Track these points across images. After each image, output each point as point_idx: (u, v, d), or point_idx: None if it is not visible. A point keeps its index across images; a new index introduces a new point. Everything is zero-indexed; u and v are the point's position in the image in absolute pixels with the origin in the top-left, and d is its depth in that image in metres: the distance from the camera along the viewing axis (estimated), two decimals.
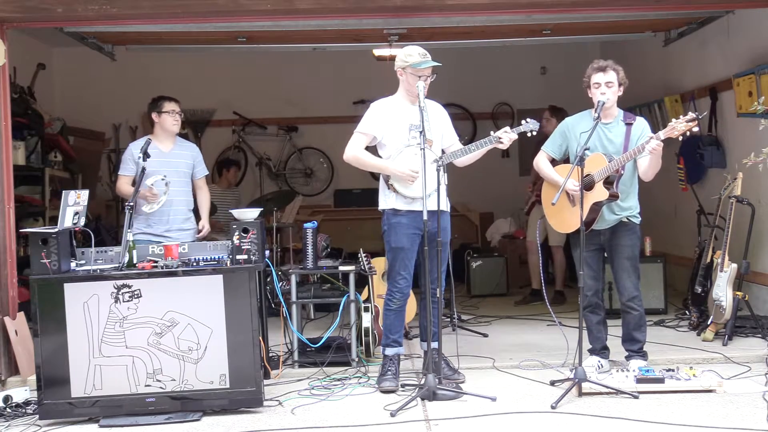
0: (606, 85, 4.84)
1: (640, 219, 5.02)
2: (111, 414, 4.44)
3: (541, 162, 5.16)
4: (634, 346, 5.04)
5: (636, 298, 4.98)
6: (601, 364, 5.07)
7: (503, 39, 7.24)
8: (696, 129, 4.58)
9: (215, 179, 8.40)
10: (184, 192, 5.54)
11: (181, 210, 5.49)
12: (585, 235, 4.72)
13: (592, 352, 5.15)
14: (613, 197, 4.84)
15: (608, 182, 4.84)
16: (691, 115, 4.57)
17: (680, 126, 4.57)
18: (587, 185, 4.80)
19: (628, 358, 5.07)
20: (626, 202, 4.93)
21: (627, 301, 4.99)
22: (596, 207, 4.86)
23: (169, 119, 5.47)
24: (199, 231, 5.63)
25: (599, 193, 4.83)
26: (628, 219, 4.95)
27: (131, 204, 4.93)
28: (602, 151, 4.87)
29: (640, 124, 4.97)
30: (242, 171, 10.08)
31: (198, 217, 5.73)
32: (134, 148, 5.39)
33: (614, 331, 5.34)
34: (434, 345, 4.76)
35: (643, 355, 5.05)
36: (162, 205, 5.34)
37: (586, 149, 4.61)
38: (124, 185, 5.47)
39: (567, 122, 5.13)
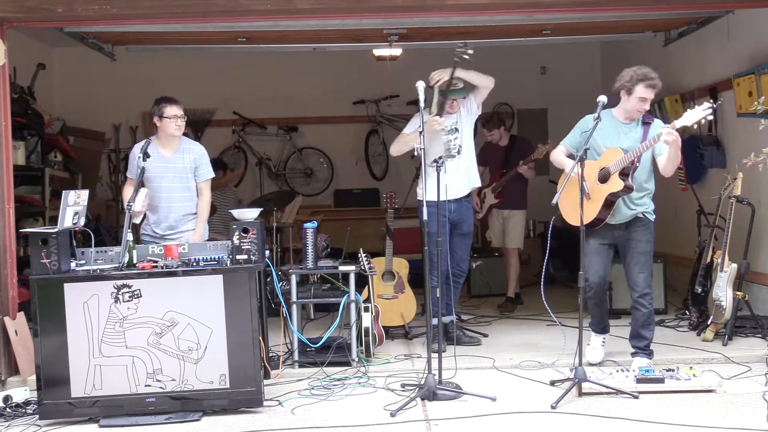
0: (649, 101, 4.96)
1: (654, 217, 5.09)
2: (111, 414, 4.44)
3: (559, 155, 5.20)
4: (641, 343, 5.09)
5: (647, 296, 5.03)
6: (605, 339, 5.26)
7: (503, 39, 7.22)
8: (711, 117, 4.63)
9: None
10: (187, 198, 5.42)
11: (182, 213, 5.41)
12: (599, 230, 4.93)
13: (594, 330, 5.28)
14: (628, 189, 4.90)
15: (624, 174, 4.90)
16: (706, 104, 4.61)
17: (695, 115, 4.61)
18: (603, 178, 4.90)
19: (634, 354, 5.11)
20: (642, 199, 5.00)
21: (638, 297, 5.03)
22: (611, 199, 4.91)
23: (171, 124, 5.28)
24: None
25: (614, 184, 4.89)
26: (643, 215, 5.02)
27: (131, 204, 4.93)
28: (618, 147, 4.93)
29: (658, 124, 5.03)
30: (242, 172, 10.09)
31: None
32: (137, 150, 5.29)
33: (616, 332, 5.34)
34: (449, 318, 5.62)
35: (649, 354, 5.08)
36: (161, 210, 5.34)
37: (586, 149, 4.67)
38: (127, 189, 5.33)
39: (587, 119, 5.12)
